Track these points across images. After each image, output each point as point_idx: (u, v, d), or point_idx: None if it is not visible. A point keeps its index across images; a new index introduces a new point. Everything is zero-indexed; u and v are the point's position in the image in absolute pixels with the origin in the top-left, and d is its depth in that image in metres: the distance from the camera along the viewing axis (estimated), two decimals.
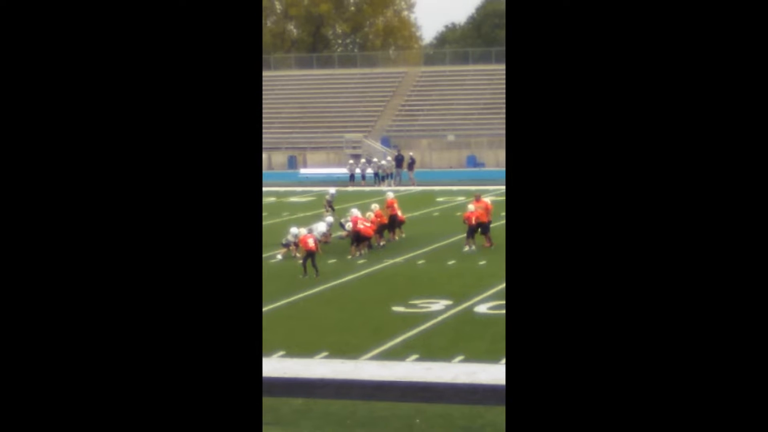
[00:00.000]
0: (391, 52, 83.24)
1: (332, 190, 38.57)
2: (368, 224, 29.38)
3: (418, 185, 51.01)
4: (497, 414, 13.80)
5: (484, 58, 70.03)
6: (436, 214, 38.83)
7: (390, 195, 32.59)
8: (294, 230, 27.82)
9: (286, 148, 65.11)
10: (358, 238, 28.75)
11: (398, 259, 28.18)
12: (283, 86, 70.72)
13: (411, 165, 53.10)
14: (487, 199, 30.93)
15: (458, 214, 30.42)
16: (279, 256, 28.52)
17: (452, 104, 64.91)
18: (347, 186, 50.15)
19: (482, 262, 26.93)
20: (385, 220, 30.80)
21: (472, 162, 60.98)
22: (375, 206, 31.18)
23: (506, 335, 6.27)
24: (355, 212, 30.10)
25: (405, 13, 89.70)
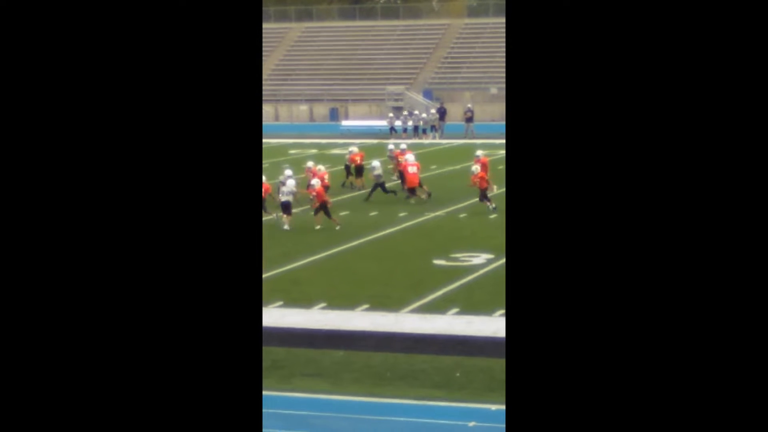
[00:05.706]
0: (434, 3, 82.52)
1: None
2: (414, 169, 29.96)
3: (463, 138, 50.72)
4: None
5: None
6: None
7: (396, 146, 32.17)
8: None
9: (328, 100, 65.03)
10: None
11: (439, 212, 28.16)
12: (325, 37, 70.52)
13: (470, 119, 52.72)
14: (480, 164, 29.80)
15: (500, 167, 30.30)
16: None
17: (495, 57, 64.40)
18: (388, 139, 49.97)
19: None
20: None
21: None
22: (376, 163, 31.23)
23: (506, 293, 6.28)
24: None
25: None
